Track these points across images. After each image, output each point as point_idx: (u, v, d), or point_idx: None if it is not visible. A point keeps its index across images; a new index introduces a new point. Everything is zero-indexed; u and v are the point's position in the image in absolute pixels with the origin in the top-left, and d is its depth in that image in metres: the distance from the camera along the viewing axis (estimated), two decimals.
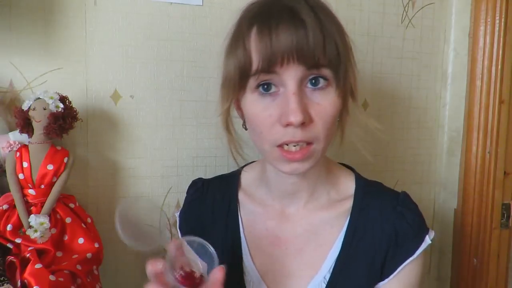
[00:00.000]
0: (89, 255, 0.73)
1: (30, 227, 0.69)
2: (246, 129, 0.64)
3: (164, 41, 0.86)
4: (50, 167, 0.72)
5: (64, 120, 0.73)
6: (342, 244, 0.66)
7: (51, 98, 0.72)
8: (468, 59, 1.06)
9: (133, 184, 0.87)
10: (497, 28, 1.01)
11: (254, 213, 0.71)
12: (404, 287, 0.66)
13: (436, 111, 1.09)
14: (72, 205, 0.77)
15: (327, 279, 0.64)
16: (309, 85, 0.57)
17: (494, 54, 1.02)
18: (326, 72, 0.56)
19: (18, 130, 0.74)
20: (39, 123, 0.72)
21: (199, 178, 0.78)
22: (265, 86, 0.57)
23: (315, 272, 0.65)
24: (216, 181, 0.77)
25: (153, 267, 0.54)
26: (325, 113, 0.57)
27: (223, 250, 0.69)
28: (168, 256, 0.54)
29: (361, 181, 0.70)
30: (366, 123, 0.65)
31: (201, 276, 0.54)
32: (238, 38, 0.59)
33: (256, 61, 0.56)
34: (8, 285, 0.65)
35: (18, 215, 0.71)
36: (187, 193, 0.78)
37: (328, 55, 0.55)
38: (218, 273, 0.53)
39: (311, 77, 0.56)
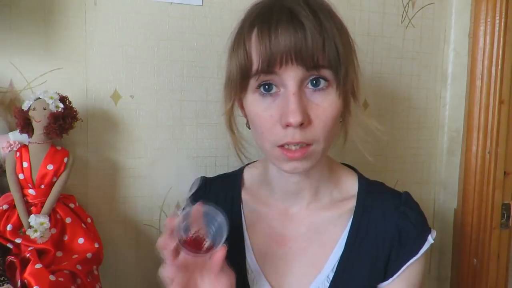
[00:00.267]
0: (89, 255, 0.73)
1: (30, 227, 0.69)
2: (249, 128, 0.65)
3: (164, 41, 0.86)
4: (50, 167, 0.72)
5: (64, 120, 0.73)
6: (345, 243, 0.66)
7: (51, 98, 0.72)
8: (468, 59, 1.06)
9: (133, 184, 0.87)
10: (497, 28, 1.01)
11: (258, 212, 0.71)
12: (407, 287, 0.66)
13: (436, 111, 1.09)
14: (72, 205, 0.77)
15: (330, 278, 0.65)
16: (309, 85, 0.57)
17: (494, 54, 1.02)
18: (326, 73, 0.56)
19: (18, 130, 0.74)
20: (39, 123, 0.72)
21: (202, 176, 0.79)
22: (266, 87, 0.58)
23: (318, 271, 0.66)
24: (219, 180, 0.77)
25: (170, 221, 0.55)
26: (324, 115, 0.57)
27: (226, 249, 0.70)
28: (186, 215, 0.56)
29: (363, 181, 0.71)
30: (366, 123, 0.65)
31: (208, 248, 0.55)
32: (239, 39, 0.59)
33: (256, 62, 0.57)
34: (8, 285, 0.65)
35: (18, 215, 0.71)
36: (189, 192, 0.78)
37: (327, 56, 0.55)
38: (219, 253, 0.55)
39: (311, 78, 0.57)
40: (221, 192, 0.74)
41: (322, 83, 0.57)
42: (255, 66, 0.57)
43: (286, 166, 0.60)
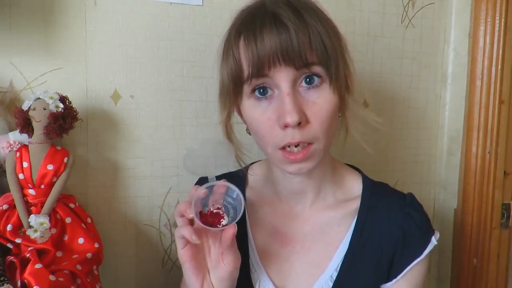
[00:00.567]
0: (89, 255, 0.73)
1: (30, 227, 0.69)
2: (250, 134, 0.65)
3: (164, 41, 0.86)
4: (50, 167, 0.72)
5: (64, 120, 0.73)
6: (350, 243, 0.66)
7: (51, 98, 0.72)
8: (468, 59, 1.06)
9: (133, 184, 0.87)
10: (497, 28, 1.01)
11: (262, 211, 0.71)
12: (411, 287, 0.66)
13: (436, 111, 1.09)
14: (72, 205, 0.77)
15: (334, 278, 0.65)
16: (303, 83, 0.57)
17: (494, 54, 1.02)
18: (317, 69, 0.57)
19: (18, 130, 0.74)
20: (39, 123, 0.72)
21: (205, 176, 0.79)
22: (261, 90, 0.58)
23: (321, 271, 0.66)
24: (223, 178, 0.77)
25: (194, 190, 0.57)
26: (321, 111, 0.57)
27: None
28: (210, 189, 0.57)
29: (368, 182, 0.71)
30: (365, 117, 0.65)
31: (223, 225, 0.56)
32: (228, 47, 0.60)
33: (246, 68, 0.58)
34: (8, 285, 0.65)
35: (18, 215, 0.71)
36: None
37: (315, 53, 0.56)
38: (230, 229, 0.56)
39: (303, 76, 0.57)
40: None
41: (315, 80, 0.57)
42: (245, 72, 0.58)
43: (290, 168, 0.60)
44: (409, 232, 0.66)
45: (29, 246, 0.70)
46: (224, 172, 0.80)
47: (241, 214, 0.56)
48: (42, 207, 0.72)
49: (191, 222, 0.57)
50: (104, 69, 0.83)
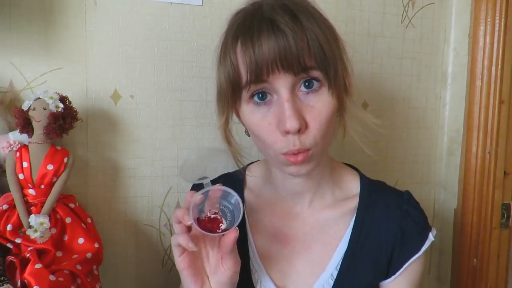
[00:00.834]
0: (89, 255, 0.73)
1: (30, 227, 0.69)
2: (249, 135, 0.65)
3: (164, 41, 0.86)
4: (50, 167, 0.72)
5: (64, 120, 0.73)
6: (349, 242, 0.67)
7: (51, 98, 0.72)
8: (468, 59, 1.06)
9: (133, 184, 0.87)
10: (497, 28, 1.01)
11: (261, 211, 0.71)
12: (409, 284, 0.67)
13: (436, 111, 1.09)
14: (72, 205, 0.77)
15: (335, 277, 0.65)
16: (302, 88, 0.57)
17: (494, 54, 1.02)
18: (316, 73, 0.56)
19: (18, 130, 0.74)
20: (39, 123, 0.72)
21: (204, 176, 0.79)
22: (260, 95, 0.58)
23: (322, 269, 0.66)
24: (221, 179, 0.77)
25: (190, 196, 0.56)
26: (320, 116, 0.57)
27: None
28: (205, 194, 0.56)
29: (365, 180, 0.71)
30: (364, 120, 0.65)
31: (223, 230, 0.56)
32: (225, 52, 0.60)
33: (244, 74, 0.57)
34: (8, 285, 0.65)
35: (18, 215, 0.71)
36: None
37: (314, 57, 0.55)
38: (232, 234, 0.56)
39: (302, 80, 0.57)
40: None
41: (314, 84, 0.57)
42: (243, 78, 0.58)
43: (290, 170, 0.61)
44: (407, 229, 0.67)
45: (29, 246, 0.70)
46: (222, 173, 0.80)
47: (240, 218, 0.56)
48: (42, 207, 0.72)
49: (188, 228, 0.57)
50: (104, 69, 0.83)
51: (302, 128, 0.56)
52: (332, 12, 0.95)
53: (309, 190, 0.68)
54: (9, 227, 0.70)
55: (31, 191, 0.72)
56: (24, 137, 0.74)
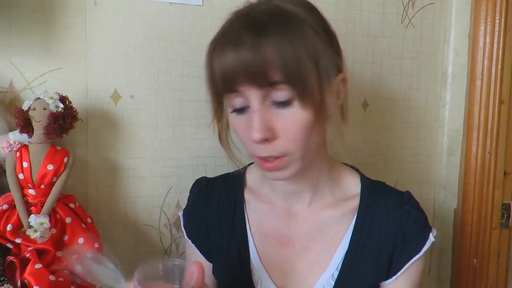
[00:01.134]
0: None
1: (30, 227, 0.69)
2: None
3: (164, 41, 0.86)
4: (50, 167, 0.72)
5: (64, 120, 0.73)
6: (350, 242, 0.67)
7: (51, 98, 0.72)
8: (468, 59, 1.06)
9: (133, 184, 0.87)
10: (497, 28, 1.01)
11: (261, 211, 0.71)
12: (409, 285, 0.67)
13: (436, 111, 1.09)
14: (72, 205, 0.77)
15: (335, 277, 0.65)
16: (273, 100, 0.57)
17: (494, 54, 1.02)
18: (283, 87, 0.55)
19: (18, 130, 0.74)
20: (39, 123, 0.72)
21: (203, 177, 0.79)
22: (238, 107, 0.59)
23: (322, 270, 0.66)
24: (221, 180, 0.77)
25: None
26: (291, 128, 0.57)
27: (230, 249, 0.70)
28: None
29: (366, 180, 0.71)
30: (340, 132, 0.63)
31: None
32: (206, 60, 0.61)
33: (218, 83, 0.58)
34: (8, 285, 0.65)
35: (18, 215, 0.71)
36: (190, 192, 0.78)
37: (283, 72, 0.54)
38: (196, 271, 0.51)
39: (273, 92, 0.56)
40: (223, 192, 0.74)
41: (282, 97, 0.56)
42: (219, 87, 0.59)
43: (268, 174, 0.62)
44: (407, 229, 0.66)
45: (29, 246, 0.70)
46: (223, 173, 0.80)
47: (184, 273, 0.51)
48: (42, 207, 0.72)
49: None
50: (104, 69, 0.83)
51: (270, 138, 0.57)
52: (332, 12, 0.95)
53: (307, 189, 0.68)
54: (9, 227, 0.70)
55: (31, 191, 0.72)
56: (24, 137, 0.74)
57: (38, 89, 0.77)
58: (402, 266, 0.66)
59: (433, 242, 0.68)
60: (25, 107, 0.72)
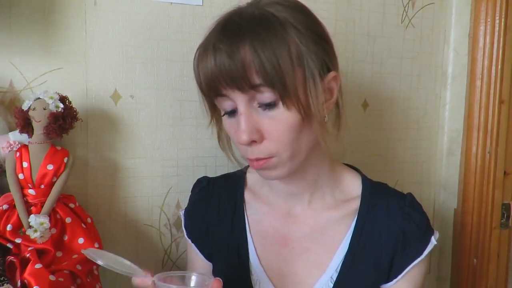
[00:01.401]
0: None
1: (30, 227, 0.69)
2: None
3: (164, 41, 0.86)
4: (50, 167, 0.72)
5: (64, 120, 0.73)
6: (350, 244, 0.66)
7: (51, 98, 0.72)
8: (468, 59, 1.06)
9: (133, 184, 0.87)
10: (497, 28, 1.01)
11: (261, 212, 0.71)
12: (411, 287, 0.66)
13: (436, 111, 1.09)
14: (72, 205, 0.77)
15: (334, 279, 0.65)
16: (258, 102, 0.57)
17: (494, 54, 1.02)
18: (266, 90, 0.55)
19: (18, 130, 0.74)
20: (39, 123, 0.72)
21: (204, 176, 0.79)
22: (228, 110, 0.60)
23: (322, 271, 0.66)
24: (222, 180, 0.77)
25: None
26: (276, 130, 0.57)
27: (229, 249, 0.70)
28: None
29: (367, 182, 0.71)
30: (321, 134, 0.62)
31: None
32: (193, 66, 0.62)
33: (205, 88, 0.60)
34: (8, 285, 0.65)
35: (18, 215, 0.71)
36: (191, 191, 0.79)
37: (261, 75, 0.54)
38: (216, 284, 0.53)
39: (257, 95, 0.56)
40: (223, 192, 0.74)
41: (266, 100, 0.56)
42: (206, 92, 0.60)
43: (260, 173, 0.63)
44: (409, 232, 0.66)
45: (29, 246, 0.70)
46: (224, 173, 0.80)
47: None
48: (42, 207, 0.72)
49: None
50: (104, 69, 0.83)
51: (257, 140, 0.57)
52: (332, 12, 0.95)
53: (305, 190, 0.68)
54: (9, 227, 0.70)
55: (31, 191, 0.72)
56: (24, 137, 0.74)
57: (38, 89, 0.77)
58: (403, 269, 0.65)
59: (435, 245, 0.67)
60: (25, 107, 0.72)
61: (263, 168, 0.60)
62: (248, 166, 0.78)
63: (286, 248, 0.68)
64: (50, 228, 0.71)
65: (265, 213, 0.71)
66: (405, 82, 1.05)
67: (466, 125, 1.07)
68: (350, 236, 0.66)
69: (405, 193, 0.71)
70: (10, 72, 0.78)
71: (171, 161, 0.89)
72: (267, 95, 0.56)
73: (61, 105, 0.73)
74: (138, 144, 0.86)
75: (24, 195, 0.72)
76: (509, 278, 1.11)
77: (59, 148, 0.75)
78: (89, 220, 0.78)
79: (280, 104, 0.56)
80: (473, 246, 1.06)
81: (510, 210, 1.08)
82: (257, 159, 0.59)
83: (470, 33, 1.05)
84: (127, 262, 0.56)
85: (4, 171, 0.73)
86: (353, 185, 0.71)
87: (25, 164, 0.72)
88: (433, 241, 0.67)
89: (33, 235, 0.69)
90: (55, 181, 0.73)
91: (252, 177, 0.75)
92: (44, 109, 0.72)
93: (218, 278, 0.54)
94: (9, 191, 0.72)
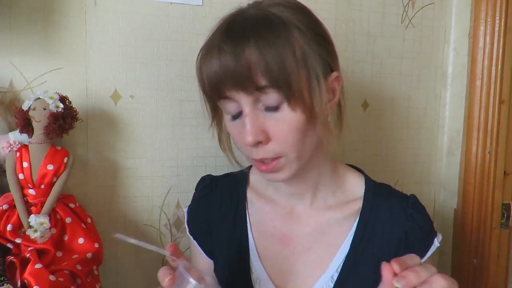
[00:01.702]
0: (89, 255, 0.73)
1: (30, 227, 0.69)
2: None
3: (164, 41, 0.86)
4: (50, 167, 0.72)
5: (64, 120, 0.73)
6: (351, 244, 0.66)
7: (51, 98, 0.72)
8: (468, 59, 1.06)
9: (133, 184, 0.87)
10: (497, 28, 1.01)
11: (263, 211, 0.71)
12: None
13: (436, 111, 1.09)
14: (72, 205, 0.77)
15: (335, 279, 0.65)
16: (263, 103, 0.57)
17: (494, 54, 1.02)
18: (271, 91, 0.55)
19: (18, 130, 0.74)
20: (39, 123, 0.72)
21: (208, 174, 0.79)
22: (233, 112, 0.59)
23: (322, 271, 0.66)
24: (225, 178, 0.77)
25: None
26: (282, 130, 0.57)
27: (230, 247, 0.70)
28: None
29: (370, 183, 0.71)
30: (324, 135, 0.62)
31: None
32: (196, 67, 0.61)
33: (208, 90, 0.59)
34: (8, 285, 0.65)
35: (18, 215, 0.71)
36: (196, 188, 0.79)
37: (267, 76, 0.54)
38: None
39: (262, 96, 0.56)
40: (226, 190, 0.75)
41: (272, 101, 0.56)
42: (209, 94, 0.60)
43: (266, 176, 0.62)
44: (411, 233, 0.66)
45: (29, 246, 0.70)
46: (226, 173, 0.80)
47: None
48: (42, 207, 0.72)
49: None
50: (104, 69, 0.83)
51: (263, 141, 0.57)
52: (332, 12, 0.95)
53: (307, 191, 0.68)
54: (9, 227, 0.70)
55: (31, 191, 0.72)
56: (24, 137, 0.74)
57: (38, 89, 0.77)
58: None
59: (438, 248, 0.67)
60: (25, 107, 0.72)
61: (272, 171, 0.60)
62: (251, 166, 0.78)
63: (287, 247, 0.68)
64: (50, 228, 0.71)
65: (267, 213, 0.71)
66: (405, 82, 1.05)
67: (466, 125, 1.07)
68: (352, 237, 0.66)
69: (409, 194, 0.71)
70: (10, 72, 0.78)
71: (171, 161, 0.89)
72: (272, 96, 0.55)
73: (61, 105, 0.73)
74: (138, 144, 0.87)
75: (24, 195, 0.72)
76: (509, 278, 1.11)
77: (59, 148, 0.75)
78: (89, 220, 0.79)
79: (285, 105, 0.56)
80: (473, 246, 1.06)
81: (510, 210, 1.08)
82: (263, 160, 0.59)
83: (470, 33, 1.05)
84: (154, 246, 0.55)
85: (4, 171, 0.73)
86: (356, 186, 0.71)
87: (25, 164, 0.72)
88: (436, 243, 0.67)
89: (33, 235, 0.69)
90: (55, 181, 0.73)
91: (255, 177, 0.76)
92: (44, 109, 0.72)
93: None
94: (9, 191, 0.72)
